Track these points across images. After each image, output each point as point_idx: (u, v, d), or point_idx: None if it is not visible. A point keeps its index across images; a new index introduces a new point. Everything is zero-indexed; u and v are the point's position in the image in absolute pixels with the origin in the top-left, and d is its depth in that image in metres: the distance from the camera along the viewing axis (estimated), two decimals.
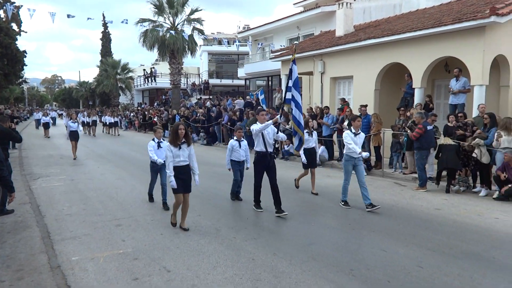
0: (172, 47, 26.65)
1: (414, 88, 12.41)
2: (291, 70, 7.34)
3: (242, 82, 32.42)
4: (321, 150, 12.75)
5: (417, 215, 7.02)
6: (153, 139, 7.58)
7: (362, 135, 7.56)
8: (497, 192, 8.19)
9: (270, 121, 6.83)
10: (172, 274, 4.57)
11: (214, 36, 37.89)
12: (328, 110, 13.60)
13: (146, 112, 28.91)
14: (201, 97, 31.86)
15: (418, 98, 12.18)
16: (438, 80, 13.46)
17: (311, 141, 8.79)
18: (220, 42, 45.39)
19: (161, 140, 7.56)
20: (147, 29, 27.11)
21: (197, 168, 6.00)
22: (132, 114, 31.60)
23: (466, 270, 4.66)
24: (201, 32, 27.89)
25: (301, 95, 7.68)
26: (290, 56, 17.76)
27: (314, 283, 4.31)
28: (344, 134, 7.55)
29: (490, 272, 4.63)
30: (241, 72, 29.50)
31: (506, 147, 8.12)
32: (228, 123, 17.88)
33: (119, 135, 24.56)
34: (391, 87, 14.15)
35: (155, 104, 33.89)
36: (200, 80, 38.69)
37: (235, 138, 7.99)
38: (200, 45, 37.72)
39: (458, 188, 8.94)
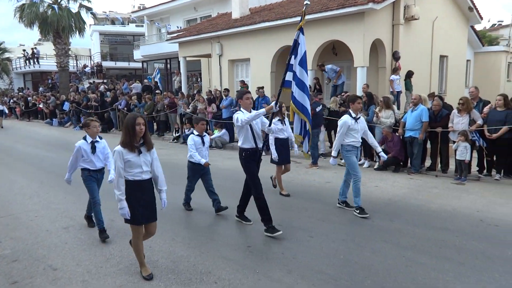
0: (56, 25, 24.10)
1: None
2: (296, 42, 5.44)
3: (139, 65, 30.86)
4: (222, 133, 12.85)
5: (310, 189, 7.51)
6: (85, 138, 5.21)
7: (362, 120, 6.15)
8: (377, 163, 9.17)
9: (262, 110, 5.10)
10: (59, 272, 4.21)
11: (106, 15, 35.12)
12: (228, 93, 13.68)
13: (29, 98, 25.93)
14: (94, 81, 29.61)
15: (309, 80, 12.89)
16: (327, 62, 14.38)
17: (284, 130, 7.28)
18: (113, 22, 42.41)
19: (97, 138, 5.28)
20: (23, 4, 24.05)
21: (164, 181, 4.16)
22: (11, 101, 28.07)
23: (350, 235, 5.14)
24: (89, 9, 25.69)
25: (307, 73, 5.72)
26: (193, 37, 17.45)
27: (212, 263, 4.35)
28: (341, 122, 6.06)
29: (370, 234, 5.17)
30: (137, 55, 27.99)
31: (380, 124, 9.09)
32: (125, 108, 16.95)
33: (2, 127, 21.18)
34: None
35: (40, 89, 30.52)
36: (92, 62, 35.84)
37: (195, 132, 6.13)
38: (90, 25, 34.79)
39: None
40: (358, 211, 5.90)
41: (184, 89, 18.46)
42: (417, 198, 6.84)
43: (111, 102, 18.03)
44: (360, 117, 6.12)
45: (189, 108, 14.21)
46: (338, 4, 11.77)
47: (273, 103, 5.20)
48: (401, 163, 8.98)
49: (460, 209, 6.19)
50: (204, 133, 6.24)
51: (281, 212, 6.12)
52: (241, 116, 5.16)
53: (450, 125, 8.20)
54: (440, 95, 9.56)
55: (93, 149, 5.16)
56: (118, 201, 3.84)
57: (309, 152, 6.34)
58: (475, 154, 8.28)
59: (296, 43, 5.46)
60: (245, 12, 16.59)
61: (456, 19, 16.00)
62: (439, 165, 8.61)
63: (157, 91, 17.23)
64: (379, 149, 6.36)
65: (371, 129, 9.42)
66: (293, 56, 5.48)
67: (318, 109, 9.71)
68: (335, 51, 13.50)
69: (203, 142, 6.12)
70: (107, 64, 35.30)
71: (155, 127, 16.19)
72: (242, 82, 14.50)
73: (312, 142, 9.64)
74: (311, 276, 4.06)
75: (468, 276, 3.98)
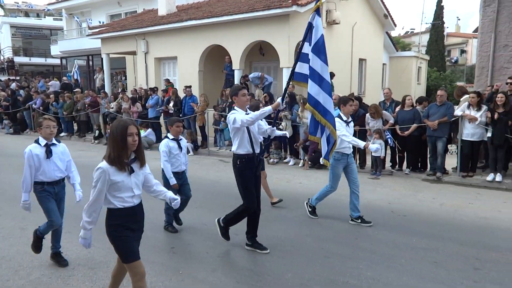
0: None
1: (234, 70, 13.20)
2: (311, 26, 4.51)
3: (57, 61, 28.76)
4: (147, 133, 12.46)
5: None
6: (37, 141, 4.13)
7: (352, 125, 5.68)
8: (302, 161, 9.52)
9: (268, 108, 4.27)
10: None
11: (17, 6, 32.16)
12: (154, 92, 13.26)
13: None
14: (9, 78, 27.02)
15: (238, 79, 13.01)
16: (255, 62, 14.64)
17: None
18: (27, 14, 39.06)
19: (53, 141, 4.17)
20: None
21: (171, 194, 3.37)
22: None
23: (272, 231, 5.27)
24: None
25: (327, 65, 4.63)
26: (117, 33, 16.53)
27: None
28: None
29: (292, 229, 5.36)
30: (55, 50, 26.06)
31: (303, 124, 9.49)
32: (41, 107, 15.70)
33: None
34: (214, 69, 14.71)
35: None
36: (2, 57, 32.66)
37: (170, 136, 5.22)
38: None
39: (272, 160, 10.00)
40: (310, 209, 5.84)
41: (107, 88, 17.61)
42: (336, 193, 7.19)
43: (24, 101, 16.60)
44: (351, 120, 5.60)
45: (112, 107, 13.58)
46: (264, 6, 12.01)
47: (279, 99, 4.43)
48: None
49: (374, 201, 6.66)
50: (180, 136, 5.30)
51: (207, 212, 6.10)
52: (239, 116, 4.32)
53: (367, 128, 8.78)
54: (358, 96, 10.20)
55: (48, 153, 4.06)
56: (82, 228, 3.03)
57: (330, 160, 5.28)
58: (389, 151, 8.97)
59: (310, 27, 4.49)
60: (171, 10, 16.24)
61: (373, 25, 17.15)
62: (358, 161, 9.17)
63: (76, 89, 16.23)
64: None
65: (295, 128, 9.79)
66: (306, 43, 4.53)
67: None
68: (262, 51, 13.77)
69: (180, 147, 5.17)
70: (20, 59, 32.44)
71: (75, 127, 15.25)
72: (167, 80, 14.18)
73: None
74: (235, 273, 4.11)
75: (378, 264, 4.29)
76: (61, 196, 4.24)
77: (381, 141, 8.36)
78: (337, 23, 13.54)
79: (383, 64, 19.85)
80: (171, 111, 12.15)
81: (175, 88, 13.00)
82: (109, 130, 3.01)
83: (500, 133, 7.30)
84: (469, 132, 7.69)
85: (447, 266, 4.23)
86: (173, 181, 5.08)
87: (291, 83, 4.68)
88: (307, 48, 4.55)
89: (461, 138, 7.83)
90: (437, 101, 8.08)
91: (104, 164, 2.93)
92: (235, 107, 4.54)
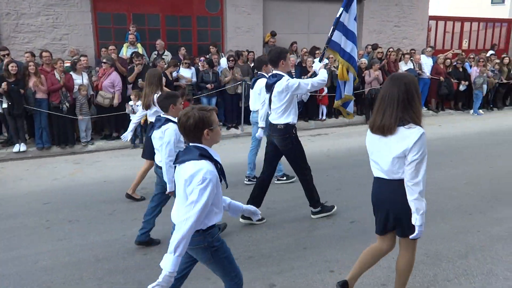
0: None
1: None
2: None
3: None
4: None
5: None
6: (205, 154, 2.22)
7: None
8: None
9: (325, 70, 4.20)
10: None
11: None
12: None
13: None
14: None
15: None
16: None
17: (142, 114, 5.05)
18: None
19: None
20: None
21: None
22: None
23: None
24: None
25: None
26: None
27: None
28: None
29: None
30: None
31: None
32: None
33: None
34: None
35: None
36: None
37: (173, 118, 3.49)
38: None
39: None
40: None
41: None
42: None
43: None
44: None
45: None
46: None
47: (317, 61, 4.39)
48: None
49: None
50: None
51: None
52: (303, 80, 4.15)
53: None
54: None
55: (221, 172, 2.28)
56: (421, 213, 2.41)
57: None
58: None
59: None
60: None
61: None
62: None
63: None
64: None
65: None
66: (344, 12, 4.36)
67: None
68: None
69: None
70: None
71: None
72: None
73: None
74: None
75: None
76: None
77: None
78: None
79: None
80: None
81: None
82: (404, 84, 2.43)
83: (17, 102, 6.94)
84: None
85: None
86: (172, 186, 3.43)
87: (327, 51, 4.53)
88: (345, 17, 4.37)
89: None
90: None
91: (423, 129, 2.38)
92: (279, 72, 4.08)
